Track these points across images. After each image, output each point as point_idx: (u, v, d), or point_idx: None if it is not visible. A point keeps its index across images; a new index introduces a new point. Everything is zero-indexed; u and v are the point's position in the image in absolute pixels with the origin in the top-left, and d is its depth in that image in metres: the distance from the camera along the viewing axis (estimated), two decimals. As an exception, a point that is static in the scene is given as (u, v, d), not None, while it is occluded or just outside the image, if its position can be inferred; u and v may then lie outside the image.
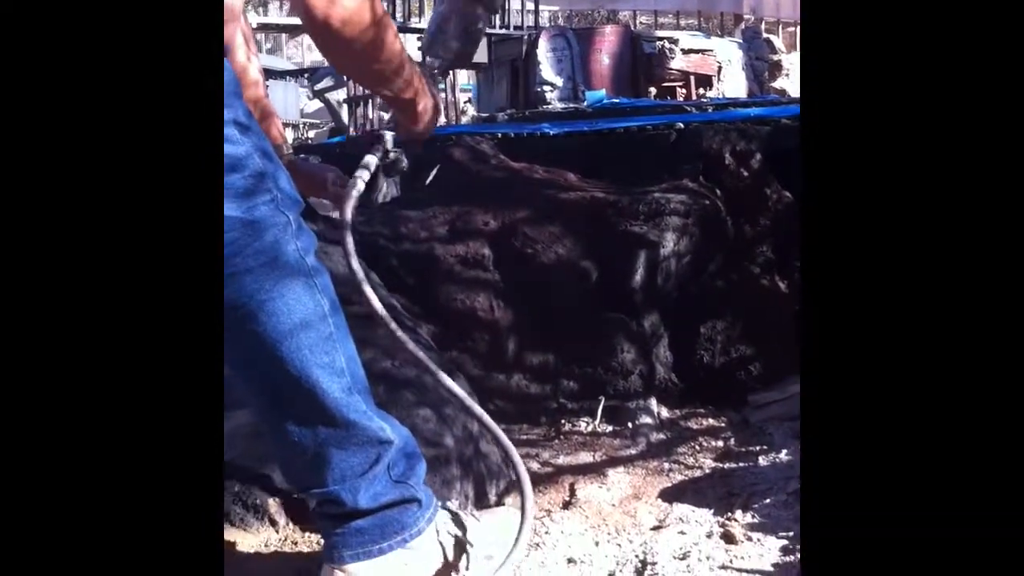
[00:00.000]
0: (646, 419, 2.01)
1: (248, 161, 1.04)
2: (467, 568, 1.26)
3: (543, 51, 6.06)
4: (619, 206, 2.19)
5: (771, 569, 1.29)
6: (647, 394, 2.07)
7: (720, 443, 1.90)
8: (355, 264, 1.26)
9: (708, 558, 1.34)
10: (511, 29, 6.23)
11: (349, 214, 1.30)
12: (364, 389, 1.16)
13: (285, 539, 1.43)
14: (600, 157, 2.64)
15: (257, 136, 1.07)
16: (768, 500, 1.52)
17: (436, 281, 2.15)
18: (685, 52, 6.43)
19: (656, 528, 1.50)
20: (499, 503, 1.61)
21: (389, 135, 1.41)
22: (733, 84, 6.59)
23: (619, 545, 1.43)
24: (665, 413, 2.08)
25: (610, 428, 2.00)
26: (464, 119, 6.81)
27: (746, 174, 2.36)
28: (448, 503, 1.34)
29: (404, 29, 5.85)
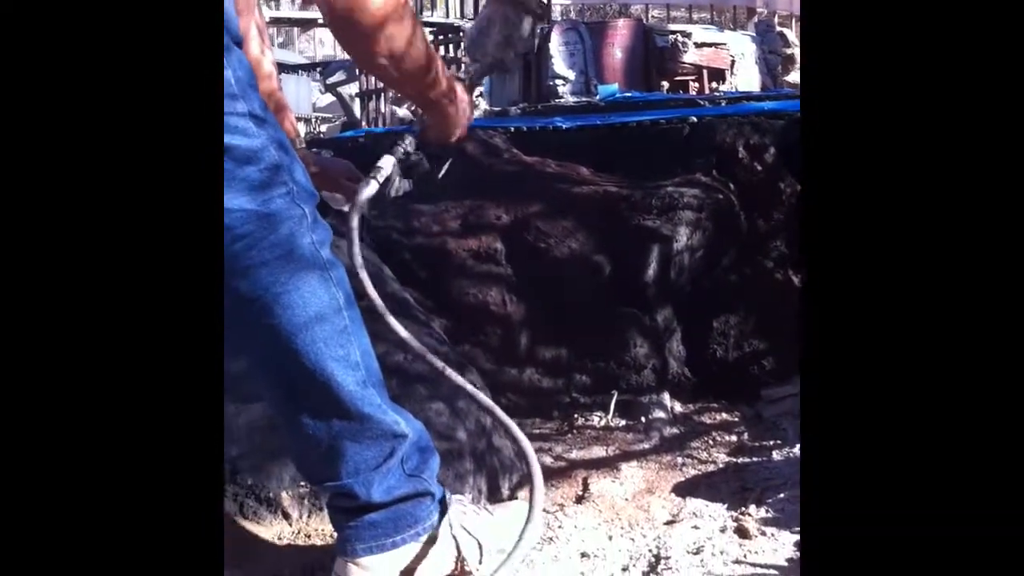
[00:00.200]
0: (659, 413, 2.01)
1: (264, 154, 1.04)
2: (480, 562, 1.27)
3: (555, 45, 6.04)
4: (632, 200, 2.19)
5: (785, 564, 1.29)
6: (660, 388, 2.06)
7: (733, 438, 1.90)
8: (359, 263, 1.25)
9: (722, 552, 1.34)
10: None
11: (356, 218, 1.28)
12: (379, 382, 1.16)
13: (298, 532, 1.44)
14: (613, 151, 2.63)
15: (273, 128, 1.06)
16: (782, 495, 1.52)
17: (448, 275, 2.15)
18: (698, 46, 6.40)
19: (669, 523, 1.49)
20: (512, 497, 1.61)
21: (410, 137, 1.39)
22: (746, 78, 6.56)
23: (632, 539, 1.43)
24: (678, 408, 2.08)
25: (623, 422, 2.00)
26: (477, 113, 6.79)
27: (759, 168, 2.34)
28: (461, 497, 1.34)
29: (416, 23, 5.81)
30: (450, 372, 1.31)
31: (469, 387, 1.33)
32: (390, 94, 6.18)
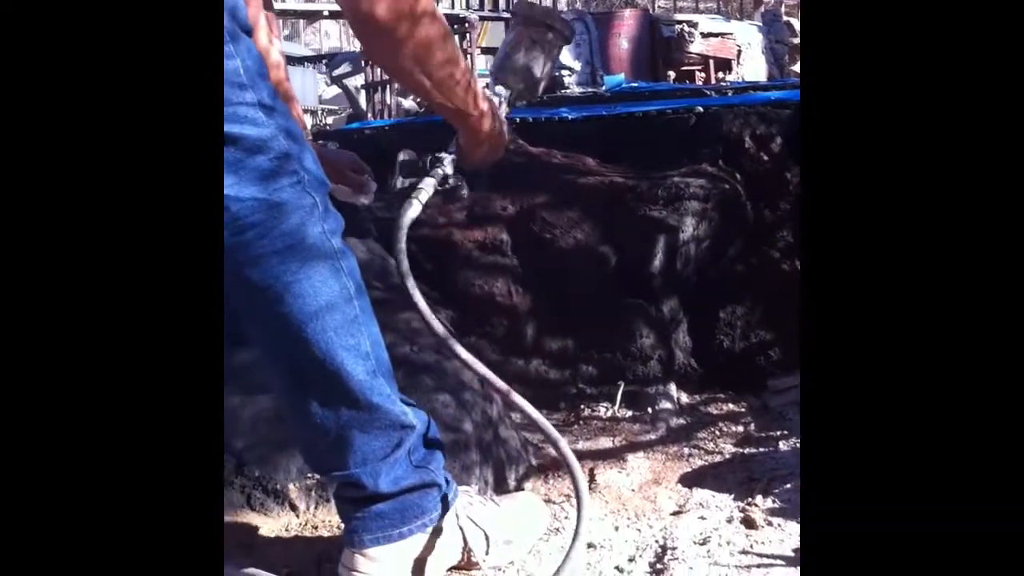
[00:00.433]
0: (666, 404, 2.00)
1: (273, 143, 1.04)
2: (486, 553, 1.27)
3: (561, 35, 6.02)
4: (638, 191, 2.18)
5: (791, 554, 1.29)
6: (666, 379, 2.06)
7: (740, 428, 1.90)
8: (411, 286, 1.21)
9: (728, 543, 1.34)
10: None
11: (403, 239, 1.23)
12: (388, 373, 1.16)
13: (305, 523, 1.44)
14: (619, 142, 2.63)
15: (283, 117, 1.06)
16: (788, 485, 1.52)
17: (454, 266, 2.15)
18: (704, 36, 6.39)
19: (676, 513, 1.50)
20: (518, 488, 1.62)
21: (448, 158, 1.32)
22: (753, 67, 6.54)
23: (639, 530, 1.43)
24: (685, 398, 2.08)
25: (630, 413, 1.99)
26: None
27: (766, 158, 2.34)
28: (468, 488, 1.34)
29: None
30: (515, 396, 1.26)
31: (528, 406, 1.27)
32: (395, 85, 6.16)
